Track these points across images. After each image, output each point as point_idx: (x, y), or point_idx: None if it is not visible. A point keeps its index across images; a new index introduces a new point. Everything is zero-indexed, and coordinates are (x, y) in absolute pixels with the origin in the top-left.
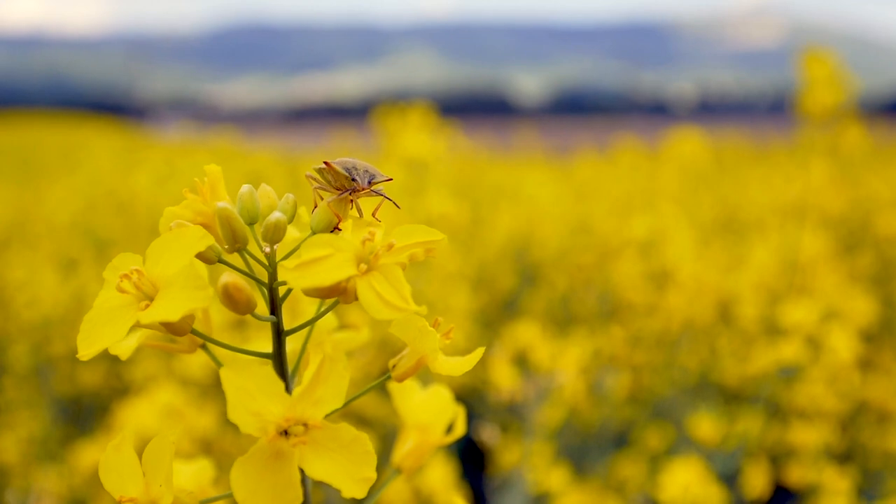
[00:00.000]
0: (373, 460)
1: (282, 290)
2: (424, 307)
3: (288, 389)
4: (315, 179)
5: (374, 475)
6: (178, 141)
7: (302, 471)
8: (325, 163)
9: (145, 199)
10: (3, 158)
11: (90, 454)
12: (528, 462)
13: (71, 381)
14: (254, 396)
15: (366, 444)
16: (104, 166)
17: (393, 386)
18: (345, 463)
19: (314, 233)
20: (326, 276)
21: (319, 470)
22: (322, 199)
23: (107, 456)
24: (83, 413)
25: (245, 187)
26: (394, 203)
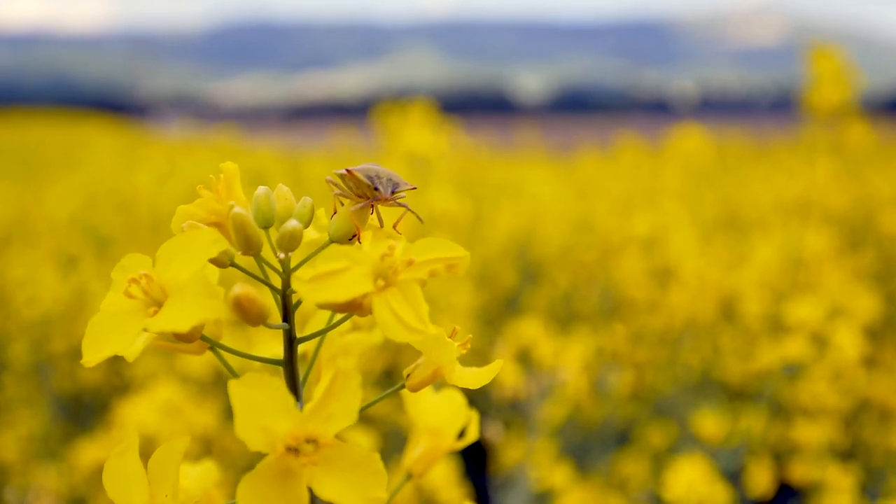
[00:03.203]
0: (384, 480)
1: (295, 297)
2: (443, 330)
3: (299, 397)
4: (336, 185)
5: (385, 495)
6: (179, 139)
7: (311, 489)
8: (347, 170)
9: (146, 196)
10: (4, 156)
11: (90, 452)
12: (530, 459)
13: (71, 378)
14: (263, 411)
15: (377, 462)
16: (105, 164)
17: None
18: (355, 482)
19: (332, 241)
20: (342, 291)
21: (329, 489)
22: (342, 205)
23: (111, 463)
24: (83, 411)
25: (261, 189)
26: (417, 216)
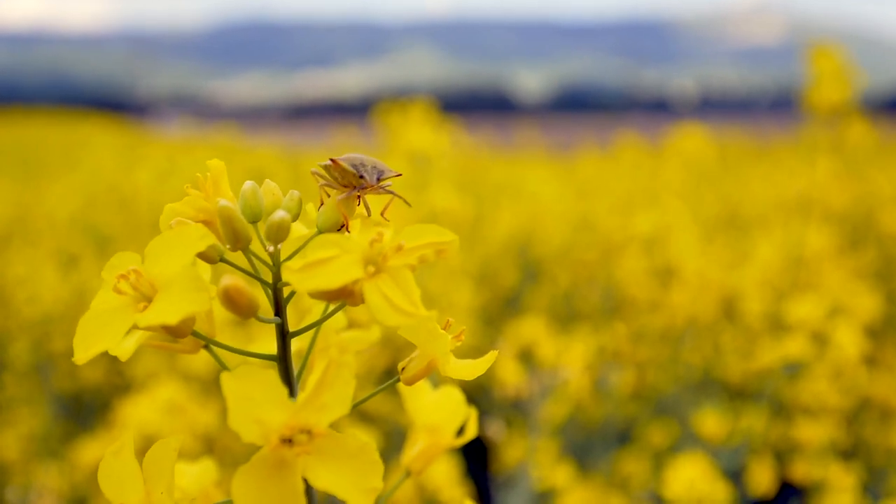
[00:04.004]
0: (380, 469)
1: (286, 291)
2: (435, 312)
3: (293, 393)
4: (321, 176)
5: (380, 485)
6: (179, 138)
7: (307, 481)
8: (332, 160)
9: (146, 195)
10: (4, 156)
11: (91, 451)
12: (532, 458)
13: (72, 377)
14: (256, 403)
15: (372, 452)
16: (106, 163)
17: (402, 386)
18: (351, 472)
19: (320, 232)
20: (332, 278)
21: (324, 480)
22: (329, 196)
23: (106, 461)
24: (84, 410)
25: (248, 184)
26: (404, 200)
